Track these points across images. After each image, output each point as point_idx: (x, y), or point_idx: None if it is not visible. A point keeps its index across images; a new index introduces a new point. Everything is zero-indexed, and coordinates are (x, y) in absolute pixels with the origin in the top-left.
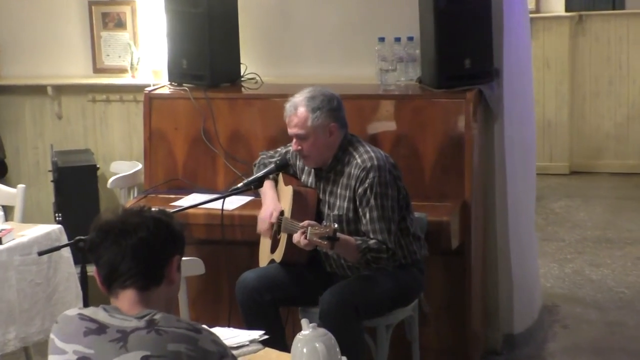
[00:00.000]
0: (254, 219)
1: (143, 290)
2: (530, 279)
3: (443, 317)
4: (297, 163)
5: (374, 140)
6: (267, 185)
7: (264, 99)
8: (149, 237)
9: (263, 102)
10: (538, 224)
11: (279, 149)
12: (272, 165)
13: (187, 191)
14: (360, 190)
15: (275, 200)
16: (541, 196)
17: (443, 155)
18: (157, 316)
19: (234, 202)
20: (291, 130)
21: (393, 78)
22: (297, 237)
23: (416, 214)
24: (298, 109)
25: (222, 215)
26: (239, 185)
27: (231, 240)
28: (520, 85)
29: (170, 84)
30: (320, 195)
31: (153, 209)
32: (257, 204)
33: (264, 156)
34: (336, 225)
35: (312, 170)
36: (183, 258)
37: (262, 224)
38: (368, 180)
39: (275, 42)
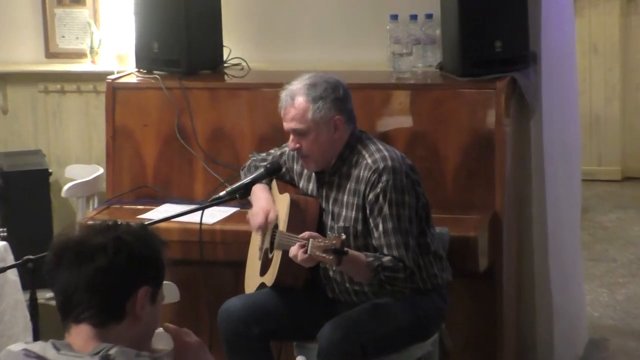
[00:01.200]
0: (239, 235)
1: (99, 327)
2: (574, 307)
3: (468, 354)
4: (295, 166)
5: (385, 138)
6: (258, 187)
7: (251, 89)
8: (106, 266)
9: (250, 92)
10: (584, 240)
11: (271, 151)
12: (262, 170)
13: (159, 201)
14: (371, 196)
15: (270, 202)
16: (588, 207)
17: (469, 157)
18: (113, 351)
19: (215, 215)
20: (287, 125)
21: (408, 64)
22: (294, 251)
23: (437, 229)
24: (296, 99)
25: (201, 230)
26: (221, 194)
27: (212, 261)
28: (562, 72)
29: (138, 71)
30: (323, 205)
31: (131, 224)
32: (242, 216)
33: (255, 158)
34: (344, 236)
35: (313, 174)
36: None
37: (256, 218)
38: (380, 185)
39: (265, 21)
